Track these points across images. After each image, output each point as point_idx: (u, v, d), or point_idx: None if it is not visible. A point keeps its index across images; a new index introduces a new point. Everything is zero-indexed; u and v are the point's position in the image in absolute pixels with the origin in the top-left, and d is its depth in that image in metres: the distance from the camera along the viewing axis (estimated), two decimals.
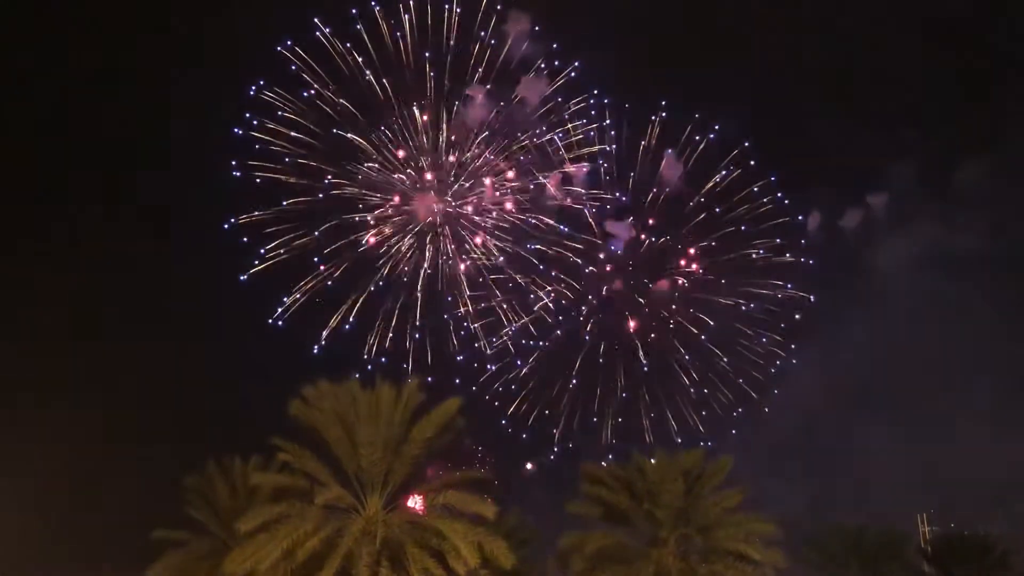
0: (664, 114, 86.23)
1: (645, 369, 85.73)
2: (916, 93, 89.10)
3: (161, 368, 75.04)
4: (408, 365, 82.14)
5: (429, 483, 38.52)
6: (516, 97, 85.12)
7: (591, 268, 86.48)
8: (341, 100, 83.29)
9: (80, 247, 78.52)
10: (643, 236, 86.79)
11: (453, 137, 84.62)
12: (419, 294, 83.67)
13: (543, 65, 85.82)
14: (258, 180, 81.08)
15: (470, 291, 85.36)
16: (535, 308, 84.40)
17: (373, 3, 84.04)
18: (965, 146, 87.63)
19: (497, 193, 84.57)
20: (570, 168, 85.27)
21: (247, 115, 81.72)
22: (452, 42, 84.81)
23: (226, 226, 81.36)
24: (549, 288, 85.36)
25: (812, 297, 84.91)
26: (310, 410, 37.06)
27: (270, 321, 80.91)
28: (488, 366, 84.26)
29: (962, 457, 77.18)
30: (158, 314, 78.15)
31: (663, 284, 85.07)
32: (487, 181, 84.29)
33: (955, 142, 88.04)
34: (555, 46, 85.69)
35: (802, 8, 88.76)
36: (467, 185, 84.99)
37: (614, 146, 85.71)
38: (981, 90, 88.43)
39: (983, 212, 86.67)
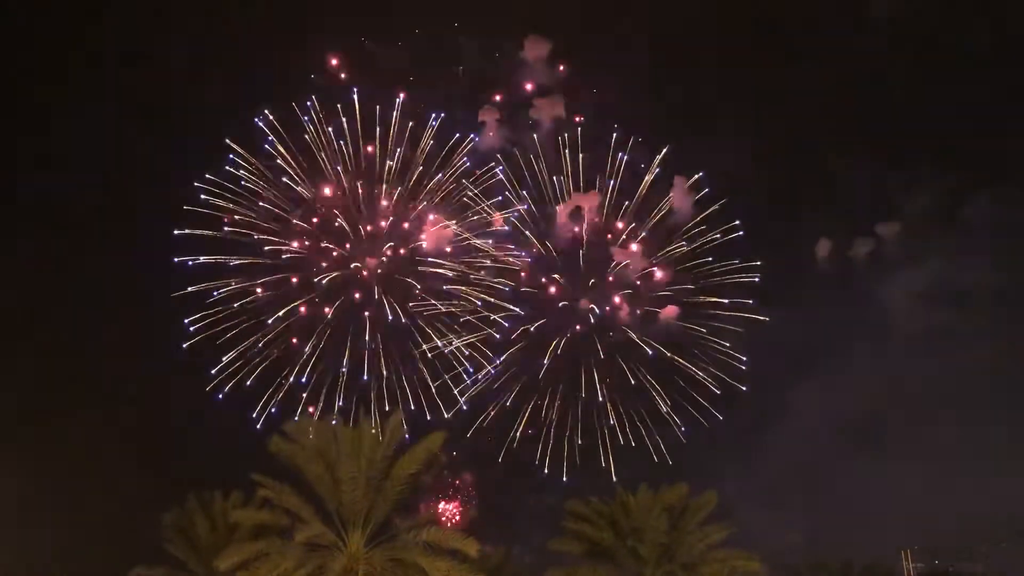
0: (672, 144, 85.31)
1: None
2: (928, 125, 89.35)
3: (140, 401, 74.46)
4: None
5: (412, 519, 38.22)
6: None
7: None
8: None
9: (68, 271, 77.67)
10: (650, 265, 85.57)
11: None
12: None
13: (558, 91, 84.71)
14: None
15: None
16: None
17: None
18: (976, 180, 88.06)
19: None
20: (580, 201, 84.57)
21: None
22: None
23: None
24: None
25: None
26: (291, 446, 36.78)
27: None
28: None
29: (964, 493, 76.79)
30: (136, 347, 77.38)
31: (670, 311, 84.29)
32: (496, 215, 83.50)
33: (966, 176, 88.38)
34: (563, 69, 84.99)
35: (816, 40, 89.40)
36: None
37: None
38: (993, 124, 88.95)
39: (992, 246, 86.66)
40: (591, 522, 44.21)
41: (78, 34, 79.80)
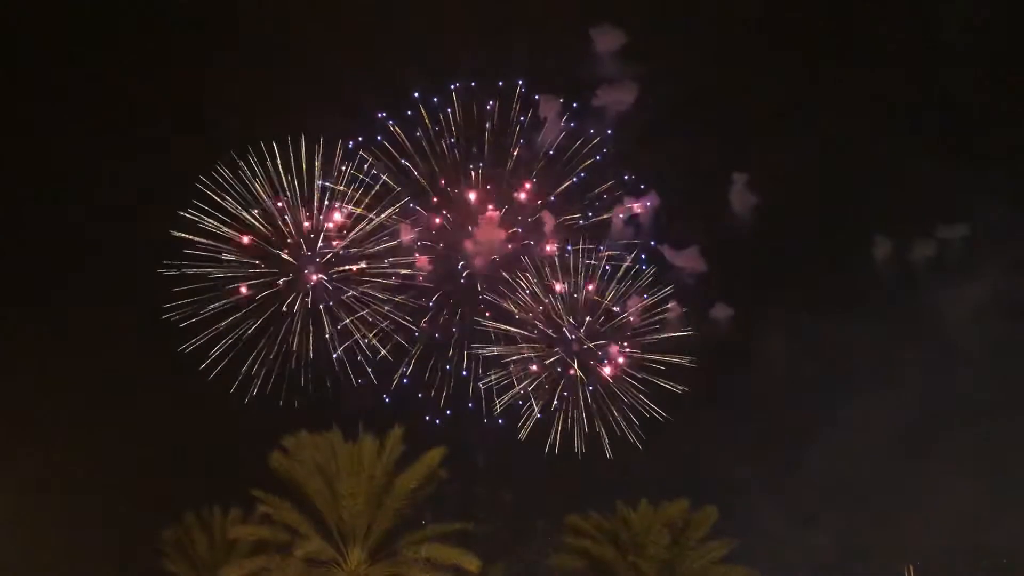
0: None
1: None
2: (1003, 126, 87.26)
3: (140, 418, 74.22)
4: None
5: (411, 535, 38.06)
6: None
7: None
8: None
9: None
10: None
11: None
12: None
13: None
14: None
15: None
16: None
17: None
18: None
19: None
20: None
21: None
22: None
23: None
24: None
25: None
26: (290, 462, 36.69)
27: None
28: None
29: (1002, 516, 75.43)
30: (136, 365, 77.24)
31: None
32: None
33: None
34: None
35: (885, 43, 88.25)
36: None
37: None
38: None
39: None
40: (591, 537, 44.03)
41: None
